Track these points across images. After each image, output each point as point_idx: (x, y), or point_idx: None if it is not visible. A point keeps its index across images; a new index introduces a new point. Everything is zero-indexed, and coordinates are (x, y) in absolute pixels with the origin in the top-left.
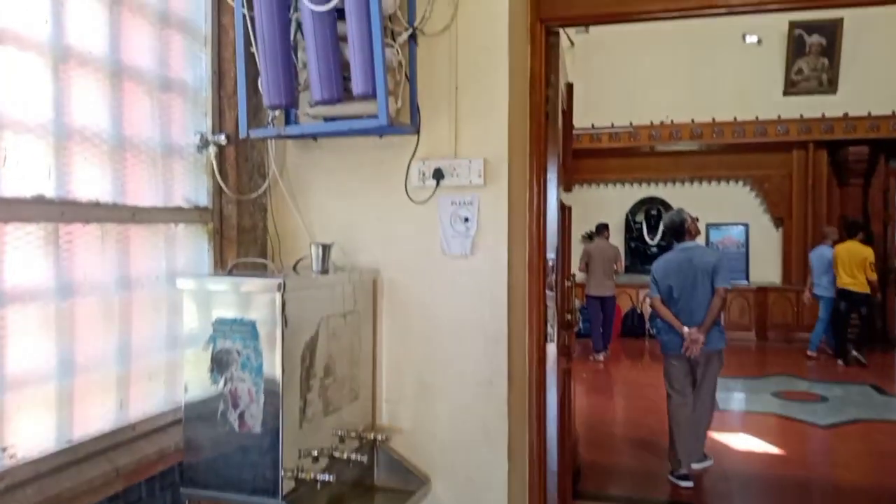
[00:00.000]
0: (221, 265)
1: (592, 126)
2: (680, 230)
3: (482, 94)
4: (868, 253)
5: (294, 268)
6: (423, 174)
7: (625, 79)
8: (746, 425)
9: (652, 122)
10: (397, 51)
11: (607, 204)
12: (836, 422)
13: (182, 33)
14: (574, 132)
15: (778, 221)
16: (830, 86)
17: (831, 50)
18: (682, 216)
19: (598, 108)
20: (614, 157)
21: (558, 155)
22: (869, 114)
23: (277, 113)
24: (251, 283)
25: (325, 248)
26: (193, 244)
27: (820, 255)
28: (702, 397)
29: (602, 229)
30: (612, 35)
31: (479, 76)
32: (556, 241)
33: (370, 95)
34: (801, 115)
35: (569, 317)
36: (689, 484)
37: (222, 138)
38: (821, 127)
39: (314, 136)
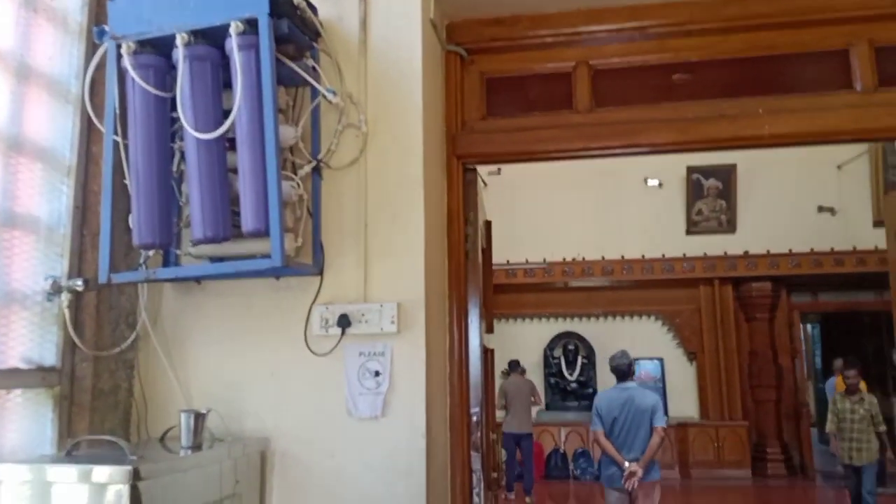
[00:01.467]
0: (70, 438)
1: (507, 262)
2: (626, 371)
3: (396, 232)
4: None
5: (162, 440)
6: (327, 321)
7: (537, 218)
8: None
9: (564, 259)
10: (297, 184)
11: (525, 339)
12: None
13: (40, 162)
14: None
15: (691, 355)
16: (729, 225)
17: (727, 192)
18: (629, 358)
19: (511, 245)
20: (530, 292)
21: (479, 295)
22: (768, 251)
23: (152, 253)
24: (95, 471)
25: (199, 418)
26: (33, 414)
27: (832, 386)
28: None
29: (515, 366)
30: (523, 177)
31: (392, 213)
32: (480, 392)
33: (263, 233)
34: (705, 253)
35: (495, 474)
36: None
37: (79, 283)
38: (724, 264)
39: (196, 279)
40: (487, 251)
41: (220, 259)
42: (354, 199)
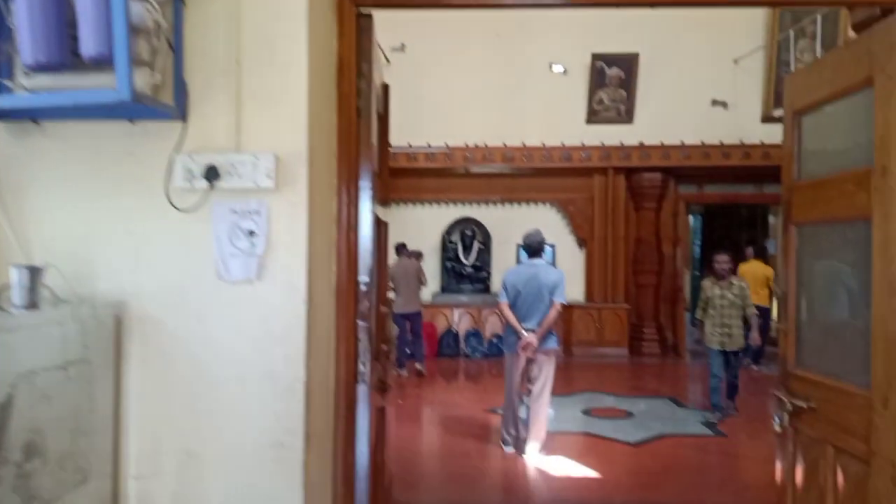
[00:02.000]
0: None
1: (409, 145)
2: (538, 248)
3: (274, 74)
4: (769, 272)
5: None
6: (192, 173)
7: (440, 101)
8: (561, 446)
9: (466, 144)
10: (153, 6)
11: (424, 224)
12: (644, 438)
13: None
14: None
15: (582, 242)
16: (627, 116)
17: (628, 82)
18: (541, 236)
19: (413, 129)
20: (430, 178)
21: (373, 161)
22: (661, 143)
23: None
24: None
25: (34, 273)
26: None
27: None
28: (534, 392)
29: (401, 249)
30: (427, 56)
31: (270, 51)
32: (371, 262)
33: (106, 59)
34: (602, 143)
35: (385, 347)
36: (510, 450)
37: None
38: (619, 154)
39: (34, 118)
40: (384, 117)
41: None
42: (225, 33)
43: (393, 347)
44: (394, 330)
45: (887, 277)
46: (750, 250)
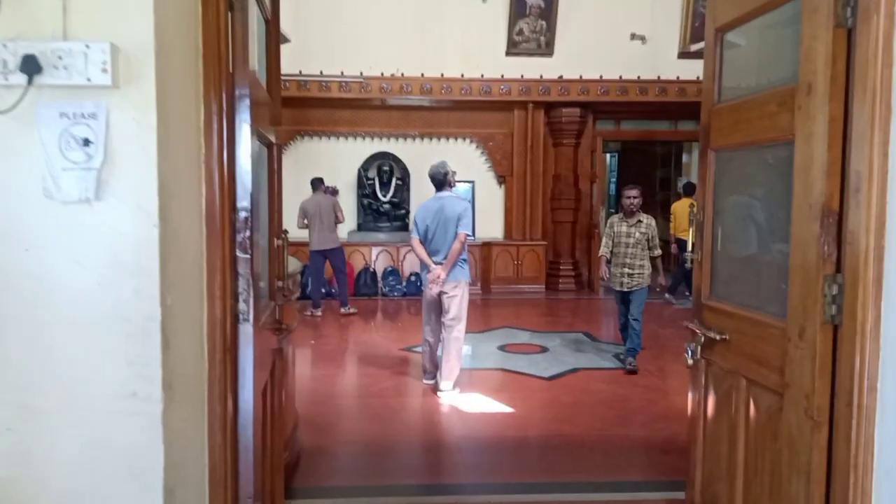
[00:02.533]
0: None
1: (321, 73)
2: (442, 181)
3: None
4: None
5: None
6: (5, 64)
7: (355, 27)
8: (478, 383)
9: (383, 74)
10: None
11: (339, 158)
12: (558, 372)
13: None
14: (302, 78)
15: (501, 179)
16: (548, 48)
17: (549, 13)
18: (446, 168)
19: (326, 55)
20: (345, 109)
21: (253, 69)
22: (580, 77)
23: None
24: None
25: None
26: None
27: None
28: (446, 325)
29: (317, 184)
30: None
31: None
32: (252, 187)
33: None
34: (522, 76)
35: (281, 283)
36: (430, 382)
37: None
38: (538, 88)
39: None
40: (274, 22)
41: None
42: None
43: (297, 286)
44: (295, 264)
45: (807, 202)
46: (681, 188)
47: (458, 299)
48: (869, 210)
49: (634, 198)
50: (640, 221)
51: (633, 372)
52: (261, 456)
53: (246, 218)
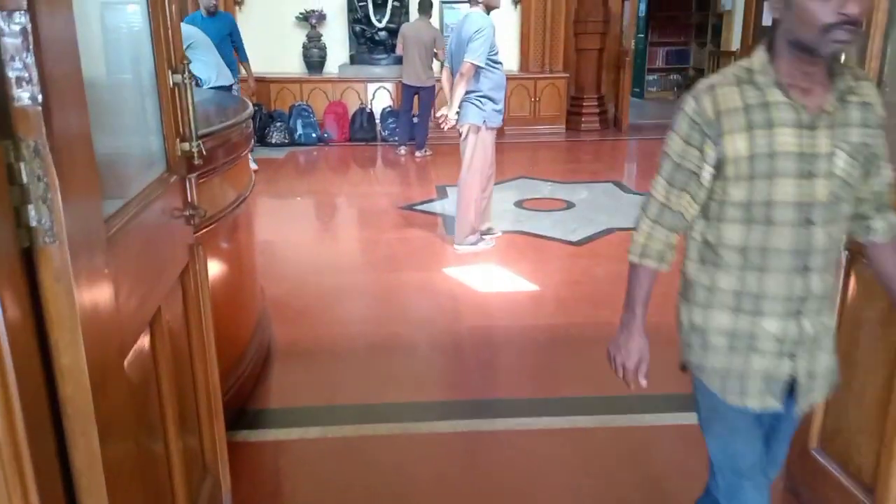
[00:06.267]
0: None
1: None
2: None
3: None
4: None
5: None
6: None
7: None
8: (493, 250)
9: None
10: None
11: None
12: (588, 235)
13: None
14: None
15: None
16: None
17: None
18: None
19: None
20: None
21: None
22: None
23: None
24: None
25: None
26: None
27: None
28: (461, 175)
29: (427, 6)
30: None
31: None
32: None
33: None
34: None
35: (189, 146)
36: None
37: None
38: None
39: None
40: None
41: None
42: None
43: (248, 138)
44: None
45: None
46: None
47: (470, 146)
48: None
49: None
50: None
51: None
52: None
53: (23, 28)
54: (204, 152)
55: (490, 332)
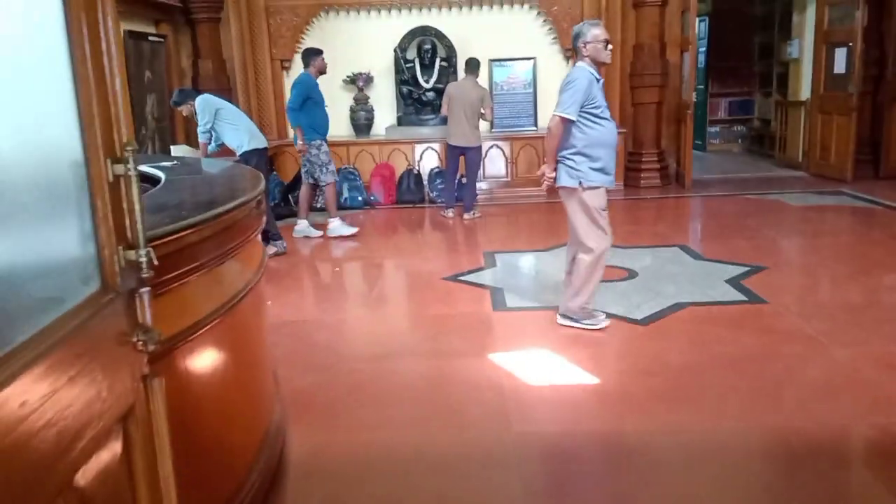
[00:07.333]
0: None
1: None
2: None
3: None
4: None
5: None
6: None
7: None
8: (545, 330)
9: None
10: None
11: (370, 37)
12: (655, 311)
13: None
14: None
15: (568, 53)
16: None
17: None
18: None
19: None
20: None
21: None
22: None
23: None
24: None
25: None
26: None
27: None
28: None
29: (475, 66)
30: None
31: None
32: None
33: None
34: None
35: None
36: None
37: None
38: None
39: None
40: None
41: None
42: None
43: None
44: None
45: None
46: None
47: (569, 211)
48: None
49: None
50: None
51: None
52: None
53: None
54: (155, 261)
55: (535, 443)
